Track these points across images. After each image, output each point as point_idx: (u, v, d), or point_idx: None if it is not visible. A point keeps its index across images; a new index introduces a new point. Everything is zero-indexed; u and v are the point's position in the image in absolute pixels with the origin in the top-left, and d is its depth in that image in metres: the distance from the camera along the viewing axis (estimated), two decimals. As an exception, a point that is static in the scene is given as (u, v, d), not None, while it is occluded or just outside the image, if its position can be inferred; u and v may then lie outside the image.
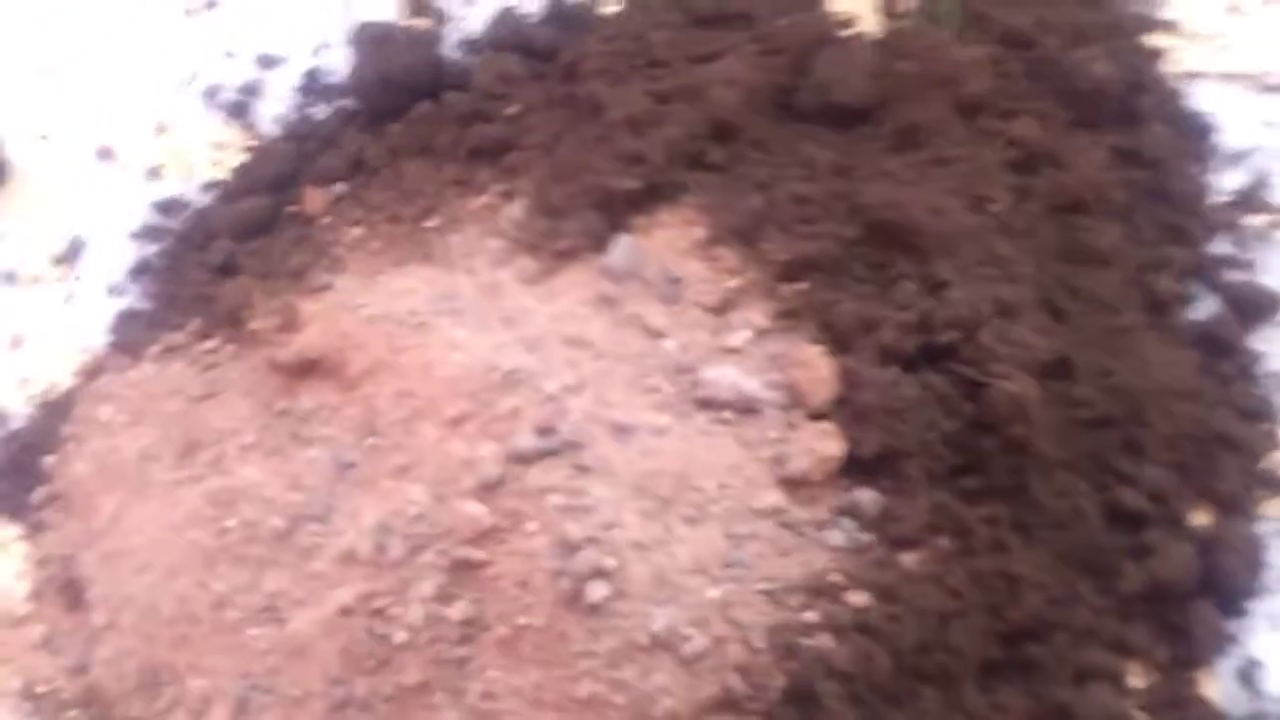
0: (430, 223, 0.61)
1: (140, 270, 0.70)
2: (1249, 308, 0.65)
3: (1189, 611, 0.56)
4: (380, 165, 0.67)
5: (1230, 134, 0.71)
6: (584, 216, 0.56)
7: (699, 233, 0.56)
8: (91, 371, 0.66)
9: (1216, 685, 0.56)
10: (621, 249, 0.55)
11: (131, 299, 0.69)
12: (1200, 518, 0.59)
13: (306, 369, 0.56)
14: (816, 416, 0.52)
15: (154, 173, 0.73)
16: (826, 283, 0.56)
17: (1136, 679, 0.55)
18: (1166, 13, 0.75)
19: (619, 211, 0.57)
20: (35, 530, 0.61)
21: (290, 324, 0.58)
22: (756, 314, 0.55)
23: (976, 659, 0.52)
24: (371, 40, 0.71)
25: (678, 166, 0.59)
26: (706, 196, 0.58)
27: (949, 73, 0.64)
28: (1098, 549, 0.56)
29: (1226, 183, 0.70)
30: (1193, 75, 0.73)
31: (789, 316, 0.55)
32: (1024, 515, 0.54)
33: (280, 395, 0.56)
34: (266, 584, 0.51)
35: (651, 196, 0.58)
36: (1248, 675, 0.56)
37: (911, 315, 0.54)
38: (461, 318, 0.52)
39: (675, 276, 0.55)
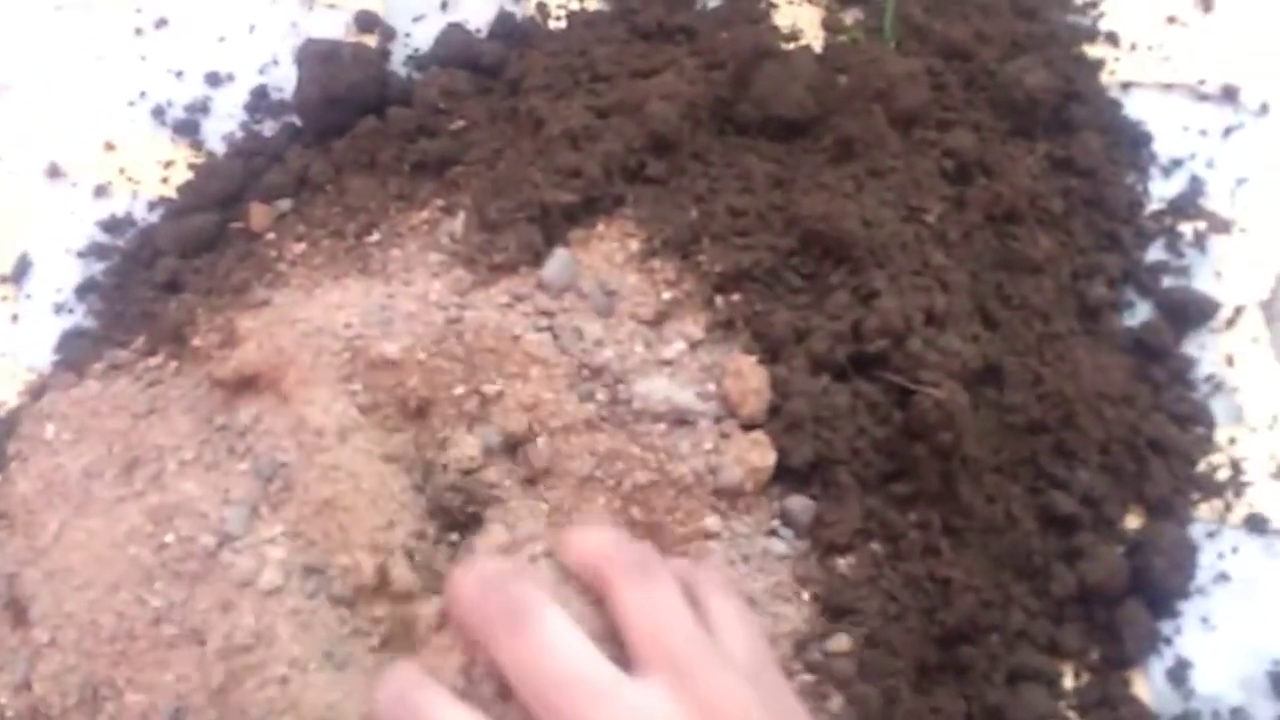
0: (372, 238, 0.61)
1: (87, 289, 0.70)
2: (1183, 313, 0.66)
3: (1119, 613, 0.57)
4: (325, 181, 0.67)
5: (1166, 142, 0.72)
6: (520, 230, 0.56)
7: (635, 245, 0.57)
8: (37, 390, 0.66)
9: (1147, 685, 0.57)
10: (557, 262, 0.55)
11: (78, 317, 0.70)
12: (1133, 521, 0.61)
13: (245, 384, 0.56)
14: (749, 426, 0.53)
15: (102, 191, 0.74)
16: (761, 293, 0.56)
17: (1069, 680, 0.56)
18: (1104, 24, 0.76)
19: (556, 225, 0.58)
20: (-19, 549, 0.61)
21: (230, 340, 0.58)
22: (691, 325, 0.55)
23: (912, 661, 0.52)
24: (316, 57, 0.71)
25: (616, 180, 0.60)
26: (644, 209, 0.58)
27: (884, 85, 0.65)
28: (1029, 552, 0.57)
29: (1162, 190, 0.71)
30: (1129, 85, 0.74)
31: (723, 327, 0.56)
32: (955, 520, 0.55)
33: (220, 410, 0.57)
34: (199, 600, 0.51)
35: (589, 210, 0.59)
36: (1178, 675, 0.57)
37: (843, 324, 0.55)
38: (392, 328, 0.52)
39: (611, 289, 0.56)
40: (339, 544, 0.50)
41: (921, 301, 0.55)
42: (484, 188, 0.60)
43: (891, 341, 0.54)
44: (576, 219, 0.58)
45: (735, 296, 0.56)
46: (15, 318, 0.70)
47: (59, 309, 0.70)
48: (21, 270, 0.71)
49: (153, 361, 0.63)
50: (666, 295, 0.56)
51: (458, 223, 0.59)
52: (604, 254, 0.57)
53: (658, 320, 0.55)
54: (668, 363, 0.54)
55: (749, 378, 0.53)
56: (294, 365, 0.53)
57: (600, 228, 0.57)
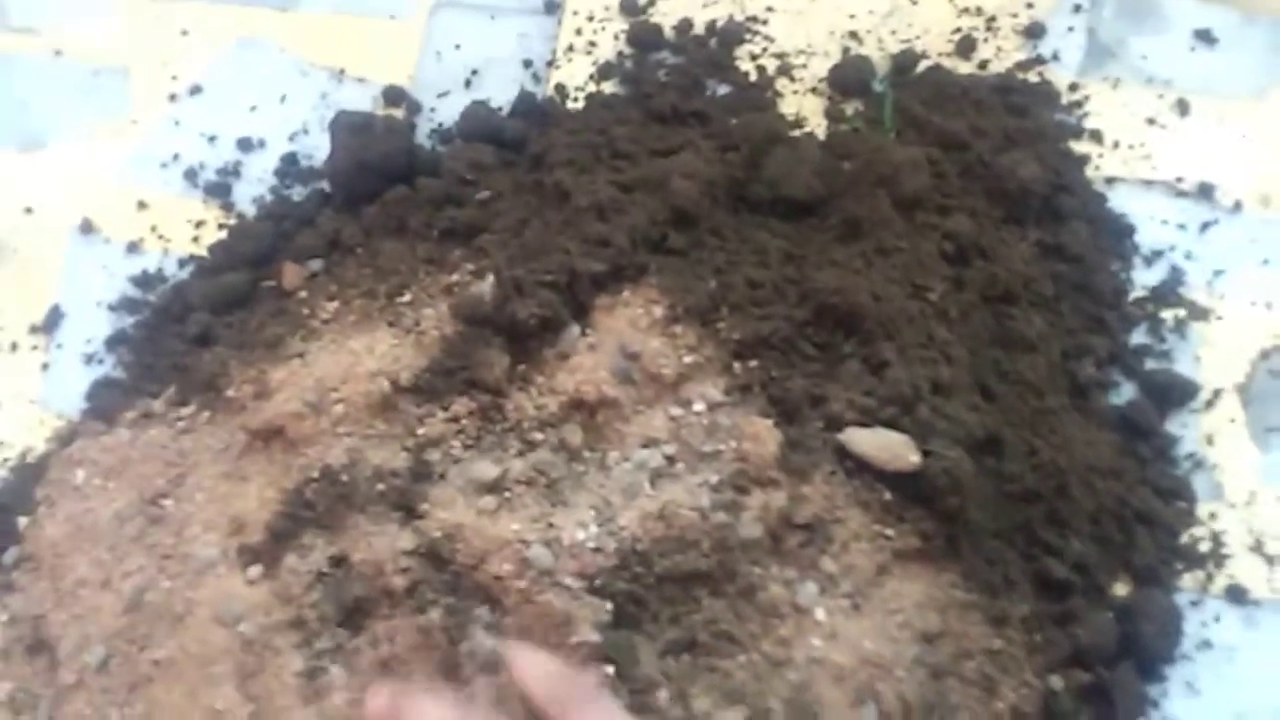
0: (403, 298, 0.64)
1: (117, 340, 0.72)
2: (1165, 394, 0.70)
3: (1112, 676, 0.59)
4: (355, 244, 0.70)
5: (1148, 234, 0.77)
6: (540, 295, 0.60)
7: (659, 311, 0.60)
8: (66, 437, 0.68)
9: (1138, 747, 0.59)
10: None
11: (108, 368, 0.72)
12: (1121, 589, 0.63)
13: (275, 434, 0.58)
14: (764, 484, 0.56)
15: (134, 247, 0.76)
16: (777, 360, 0.60)
17: (1064, 740, 0.59)
18: (1089, 123, 0.81)
19: (584, 291, 0.61)
20: (6, 590, 0.62)
21: (263, 391, 0.60)
22: (710, 388, 0.58)
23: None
24: (348, 128, 0.75)
25: (640, 250, 0.63)
26: (667, 278, 0.62)
27: (889, 172, 0.69)
28: (1026, 616, 0.59)
29: (1145, 279, 0.75)
30: (1113, 180, 0.79)
31: (741, 391, 0.59)
32: (957, 584, 0.57)
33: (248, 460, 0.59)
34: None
35: (615, 278, 0.62)
36: (1167, 738, 0.60)
37: (855, 392, 0.58)
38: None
39: (633, 352, 0.59)
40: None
41: (928, 372, 0.59)
42: (513, 253, 0.63)
43: (901, 409, 0.57)
44: (603, 286, 0.61)
45: (752, 363, 0.59)
46: (46, 367, 0.72)
47: (89, 359, 0.72)
48: (53, 321, 0.73)
49: (184, 411, 0.65)
50: (688, 359, 0.59)
51: (487, 285, 0.62)
52: (629, 319, 0.60)
53: (679, 382, 0.58)
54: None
55: (766, 440, 0.56)
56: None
57: (626, 294, 0.61)
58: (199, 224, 0.77)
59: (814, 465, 0.56)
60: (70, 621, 0.59)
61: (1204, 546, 0.66)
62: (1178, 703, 0.61)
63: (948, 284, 0.66)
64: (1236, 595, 0.64)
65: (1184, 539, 0.65)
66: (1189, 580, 0.64)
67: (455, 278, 0.64)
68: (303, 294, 0.68)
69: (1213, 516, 0.67)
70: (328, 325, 0.64)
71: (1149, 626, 0.61)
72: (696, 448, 0.56)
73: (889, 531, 0.55)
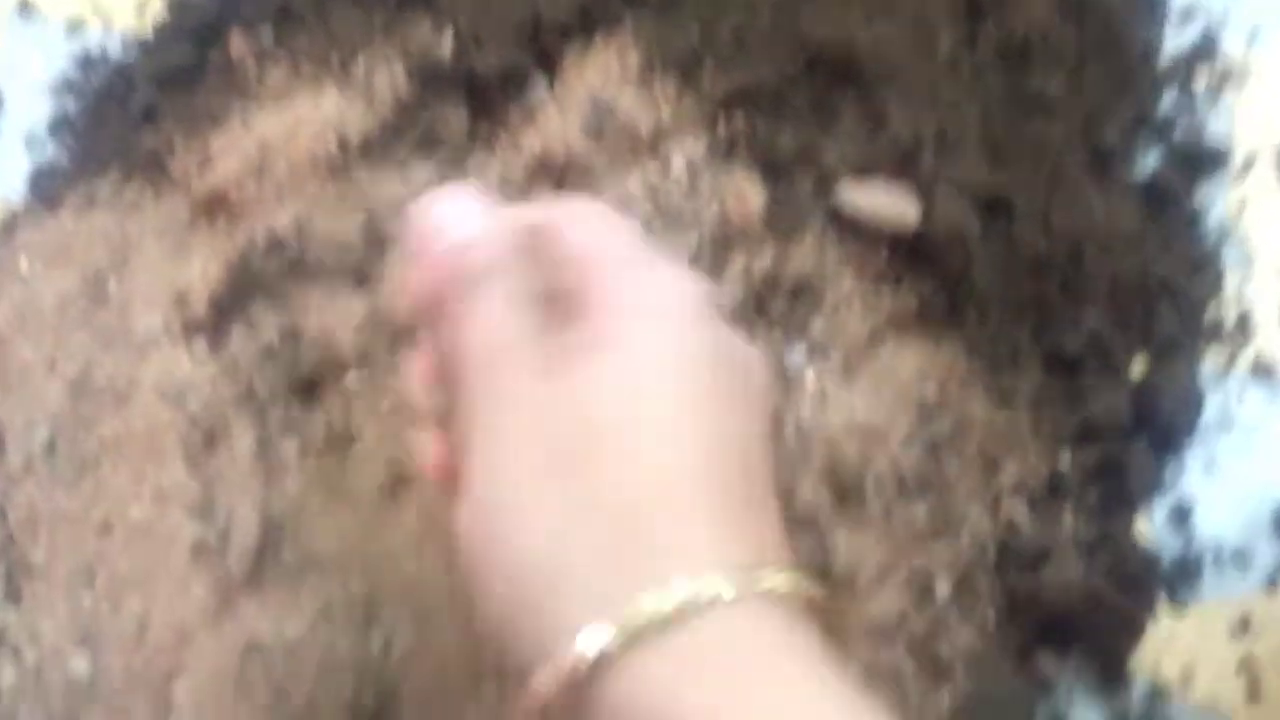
0: (357, 63, 0.59)
1: (59, 124, 0.67)
2: (1195, 161, 0.64)
3: (1123, 453, 0.56)
4: (307, 12, 0.65)
5: (1181, -8, 0.70)
6: (502, 46, 0.54)
7: (635, 62, 0.55)
8: (9, 224, 0.64)
9: (1148, 527, 0.56)
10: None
11: (51, 153, 0.67)
12: (1139, 364, 0.59)
13: (219, 203, 0.54)
14: (747, 245, 0.51)
15: (74, 26, 0.71)
16: (766, 115, 0.54)
17: (1067, 519, 0.55)
18: (1120, -128, 0.73)
19: (551, 43, 0.55)
20: (-50, 381, 0.59)
21: (206, 162, 0.56)
22: (691, 145, 0.53)
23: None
24: (300, -114, 0.68)
25: (613, 1, 0.57)
26: (644, 27, 0.56)
27: (895, -81, 0.62)
28: (1034, 390, 0.55)
29: (1176, 40, 0.69)
30: (1145, -67, 0.72)
31: (726, 147, 0.53)
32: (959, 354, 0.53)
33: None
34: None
35: (586, 28, 0.56)
36: (1179, 517, 0.56)
37: (850, 146, 0.53)
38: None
39: (606, 106, 0.53)
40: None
41: (933, 125, 0.53)
42: (474, 6, 0.57)
43: (900, 161, 0.52)
44: (572, 37, 0.56)
45: (738, 118, 0.54)
46: (-15, 153, 0.67)
47: (30, 144, 0.68)
48: (-9, 106, 0.69)
49: (129, 190, 0.60)
50: (666, 114, 0.54)
51: (445, 41, 0.56)
52: (601, 71, 0.54)
53: (656, 139, 0.53)
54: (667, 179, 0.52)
55: (750, 199, 0.51)
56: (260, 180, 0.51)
57: (599, 44, 0.55)
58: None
59: (803, 224, 0.51)
60: (16, 407, 0.56)
61: (1230, 320, 0.61)
62: (1195, 479, 0.57)
63: (959, 38, 0.60)
64: (1263, 371, 0.60)
65: (1209, 312, 0.61)
66: (1212, 356, 0.60)
67: (414, 37, 0.59)
68: (251, 64, 0.63)
69: (1241, 289, 0.62)
70: (274, 92, 0.59)
71: (1167, 402, 0.56)
72: (675, 209, 0.52)
73: (884, 295, 0.51)
